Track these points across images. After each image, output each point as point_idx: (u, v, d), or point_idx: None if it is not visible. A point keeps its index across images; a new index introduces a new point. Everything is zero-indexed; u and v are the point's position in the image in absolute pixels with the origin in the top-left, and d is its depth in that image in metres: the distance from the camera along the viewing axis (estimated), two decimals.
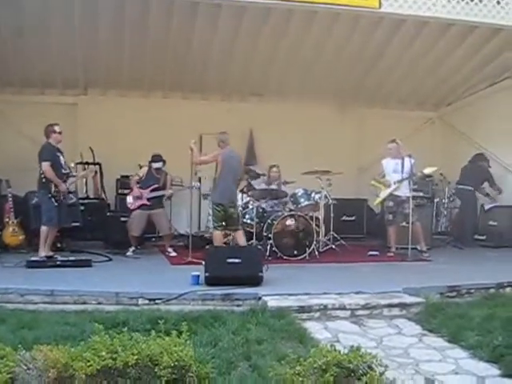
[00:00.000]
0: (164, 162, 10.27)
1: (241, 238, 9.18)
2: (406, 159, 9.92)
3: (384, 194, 10.12)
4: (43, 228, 8.85)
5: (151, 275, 8.18)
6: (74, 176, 9.50)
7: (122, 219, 10.50)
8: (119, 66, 11.22)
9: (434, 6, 9.13)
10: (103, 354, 3.60)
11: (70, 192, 9.22)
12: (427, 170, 10.09)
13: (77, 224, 9.32)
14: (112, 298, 6.55)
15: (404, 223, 9.98)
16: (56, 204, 8.80)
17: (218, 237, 9.18)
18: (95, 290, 6.66)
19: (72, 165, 9.77)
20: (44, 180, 8.82)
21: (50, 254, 8.90)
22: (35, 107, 11.42)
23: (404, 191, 9.95)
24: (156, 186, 10.06)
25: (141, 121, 11.77)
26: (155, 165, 10.18)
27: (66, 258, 8.65)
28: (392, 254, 10.10)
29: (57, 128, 9.07)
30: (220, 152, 9.22)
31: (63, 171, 9.01)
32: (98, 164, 11.31)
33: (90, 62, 10.92)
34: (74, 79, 11.71)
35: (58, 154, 9.05)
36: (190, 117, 11.91)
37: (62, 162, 9.08)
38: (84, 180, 10.96)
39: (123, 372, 3.59)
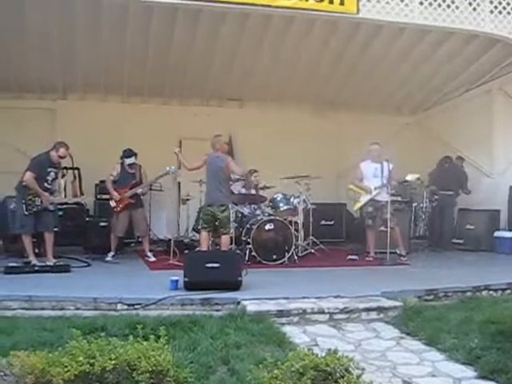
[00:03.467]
0: (136, 154, 10.14)
1: (225, 244, 9.11)
2: (385, 164, 9.99)
3: (365, 199, 10.16)
4: (23, 237, 8.86)
5: (130, 280, 8.13)
6: (55, 197, 9.31)
7: (101, 224, 10.52)
8: (98, 71, 11.20)
9: (412, 13, 9.22)
10: (81, 359, 3.59)
11: (50, 207, 9.06)
12: (409, 177, 10.20)
13: (55, 229, 9.24)
14: (90, 303, 6.50)
15: (383, 227, 10.04)
16: (26, 212, 8.75)
17: (203, 238, 9.18)
18: (73, 296, 6.61)
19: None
20: (24, 185, 8.78)
21: (53, 260, 8.90)
22: (12, 112, 11.36)
23: (383, 196, 10.01)
24: (133, 182, 10.04)
25: (120, 126, 11.75)
26: (128, 160, 10.07)
27: (44, 264, 8.61)
28: (371, 259, 10.17)
29: (62, 151, 9.04)
30: (208, 156, 9.26)
31: (46, 186, 8.94)
32: (77, 169, 11.25)
33: (68, 65, 10.87)
34: (52, 83, 11.66)
35: (50, 169, 9.00)
36: (170, 122, 11.95)
37: (50, 178, 9.02)
38: (63, 184, 10.85)
39: (101, 377, 3.58)
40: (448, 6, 9.37)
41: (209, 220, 9.10)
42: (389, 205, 9.85)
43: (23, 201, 8.77)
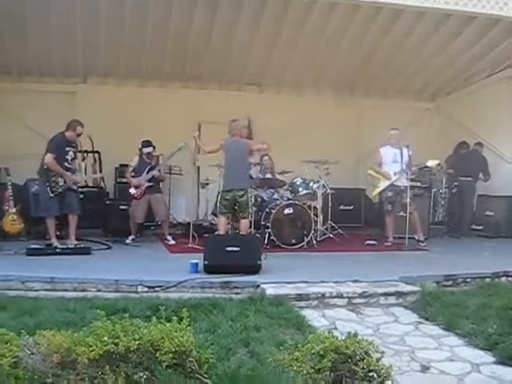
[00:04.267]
0: (154, 147, 10.29)
1: (244, 227, 9.16)
2: (404, 149, 9.97)
3: (384, 184, 10.14)
4: (47, 219, 9.00)
5: (150, 263, 8.22)
6: (77, 175, 9.44)
7: (121, 207, 10.60)
8: (118, 55, 11.23)
9: None
10: (105, 339, 3.66)
11: (73, 187, 9.20)
12: (430, 163, 10.15)
13: (78, 212, 9.33)
14: (111, 285, 6.61)
15: (402, 213, 10.03)
16: (52, 195, 8.85)
17: (221, 222, 9.25)
18: (95, 278, 6.71)
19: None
20: (45, 168, 8.88)
21: (75, 242, 9.01)
22: (34, 95, 11.47)
23: (403, 181, 10.01)
24: (150, 167, 10.14)
25: (139, 109, 11.77)
26: (146, 150, 10.21)
27: (65, 246, 8.71)
28: (389, 244, 10.17)
29: (79, 128, 9.14)
30: (224, 140, 9.29)
31: (66, 165, 9.04)
32: (97, 152, 11.32)
33: (89, 50, 10.90)
34: (73, 68, 11.71)
35: (68, 148, 9.10)
36: (189, 105, 11.96)
37: (69, 158, 9.12)
38: (83, 168, 10.93)
39: (125, 357, 3.65)
40: None
41: (228, 205, 9.14)
42: (408, 190, 9.83)
43: (47, 183, 8.87)
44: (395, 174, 10.00)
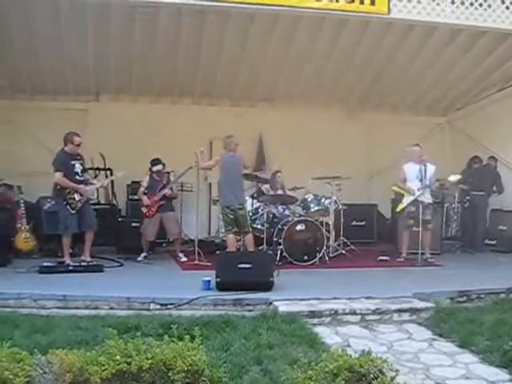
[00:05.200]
0: (163, 164, 10.35)
1: (250, 243, 9.27)
2: (429, 165, 10.02)
3: (408, 200, 10.11)
4: (64, 237, 9.01)
5: (162, 280, 8.22)
6: (93, 184, 9.56)
7: (133, 224, 10.60)
8: (130, 72, 11.30)
9: (443, 12, 9.19)
10: (118, 358, 3.65)
11: (88, 200, 9.25)
12: (452, 178, 10.13)
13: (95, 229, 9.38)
14: (123, 302, 6.62)
15: (415, 228, 10.00)
16: (73, 212, 8.89)
17: (231, 240, 9.30)
18: (107, 295, 6.72)
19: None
20: (59, 187, 8.92)
21: (89, 259, 9.04)
22: (47, 113, 11.54)
23: (427, 196, 10.05)
24: (161, 185, 10.18)
25: (151, 126, 11.82)
26: (155, 168, 10.27)
27: (77, 264, 8.72)
28: (402, 260, 10.11)
29: (76, 139, 9.13)
30: (220, 156, 9.37)
31: (78, 178, 9.08)
32: (109, 169, 11.36)
33: (101, 68, 10.99)
34: (85, 86, 11.78)
35: (74, 161, 9.11)
36: (200, 122, 11.98)
37: (78, 170, 9.14)
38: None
39: (137, 376, 3.64)
40: (480, 5, 9.32)
41: (232, 221, 9.24)
42: (431, 206, 9.96)
43: (65, 202, 8.90)
44: (418, 189, 9.99)
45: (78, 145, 9.18)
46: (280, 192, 10.71)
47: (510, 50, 10.66)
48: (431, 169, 10.01)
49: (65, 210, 8.92)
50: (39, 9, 9.04)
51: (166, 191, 10.13)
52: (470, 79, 12.08)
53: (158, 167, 10.28)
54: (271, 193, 10.64)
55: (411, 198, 10.01)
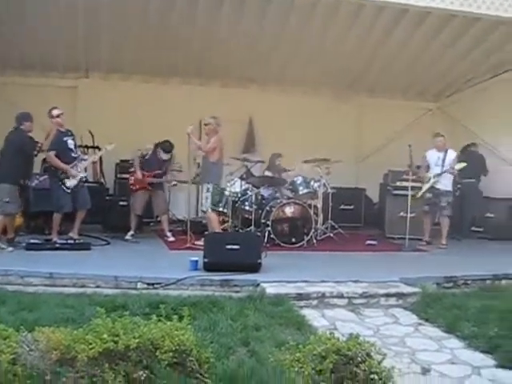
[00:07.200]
0: (171, 154, 10.34)
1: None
2: (450, 152, 10.20)
3: (424, 187, 10.27)
4: (55, 215, 8.93)
5: (150, 260, 8.20)
6: (85, 159, 9.46)
7: (121, 203, 10.59)
8: (120, 51, 11.21)
9: None
10: (105, 336, 3.61)
11: (82, 179, 9.17)
12: (458, 166, 10.15)
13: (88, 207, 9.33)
14: (111, 281, 6.62)
15: (402, 213, 10.09)
16: (68, 191, 8.82)
17: (215, 218, 9.26)
18: (94, 274, 6.72)
19: None
20: (53, 168, 8.85)
21: (76, 237, 8.97)
22: (36, 89, 11.37)
23: (444, 183, 10.21)
24: (158, 172, 10.16)
25: (141, 105, 11.74)
26: (164, 156, 10.26)
27: (64, 241, 8.66)
28: (424, 243, 10.29)
29: (54, 112, 8.97)
30: (219, 137, 9.28)
31: (73, 155, 9.02)
32: (98, 147, 11.26)
33: (91, 44, 10.88)
34: (75, 62, 11.68)
35: (66, 138, 9.03)
36: (190, 102, 11.89)
37: (71, 146, 9.08)
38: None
39: (124, 355, 3.61)
40: None
41: (220, 199, 9.39)
42: (448, 194, 10.20)
43: (60, 182, 8.83)
44: (434, 176, 10.13)
45: (58, 115, 8.98)
46: (269, 174, 10.70)
47: (501, 37, 10.64)
48: (452, 155, 10.18)
49: (59, 189, 8.85)
50: None
51: (162, 180, 10.27)
52: (461, 66, 12.06)
53: (166, 156, 10.26)
54: (264, 174, 10.66)
55: (427, 186, 10.18)
